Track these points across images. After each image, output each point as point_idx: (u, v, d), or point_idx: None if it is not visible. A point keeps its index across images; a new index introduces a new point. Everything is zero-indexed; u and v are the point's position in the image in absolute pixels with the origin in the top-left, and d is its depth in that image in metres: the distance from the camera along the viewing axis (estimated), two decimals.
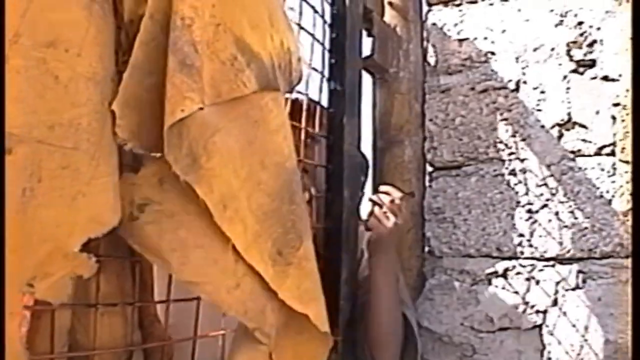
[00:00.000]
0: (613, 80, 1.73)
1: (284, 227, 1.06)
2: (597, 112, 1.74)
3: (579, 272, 1.71)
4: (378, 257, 1.58)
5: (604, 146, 1.73)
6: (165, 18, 0.89)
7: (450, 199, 1.91)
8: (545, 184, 1.79)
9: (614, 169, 1.71)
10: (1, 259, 0.71)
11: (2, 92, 0.71)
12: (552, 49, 1.82)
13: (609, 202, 1.70)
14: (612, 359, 1.64)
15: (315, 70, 1.48)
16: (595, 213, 1.72)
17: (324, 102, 1.54)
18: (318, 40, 1.49)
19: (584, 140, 1.75)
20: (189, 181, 0.89)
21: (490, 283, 1.81)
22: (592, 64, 1.77)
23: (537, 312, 1.74)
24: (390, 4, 2.01)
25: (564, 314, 1.71)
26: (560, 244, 1.75)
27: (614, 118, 1.71)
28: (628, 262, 1.65)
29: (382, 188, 1.64)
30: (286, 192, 1.07)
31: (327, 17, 1.56)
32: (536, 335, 1.74)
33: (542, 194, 1.79)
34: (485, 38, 1.92)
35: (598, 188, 1.72)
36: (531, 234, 1.79)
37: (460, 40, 1.96)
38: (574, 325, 1.69)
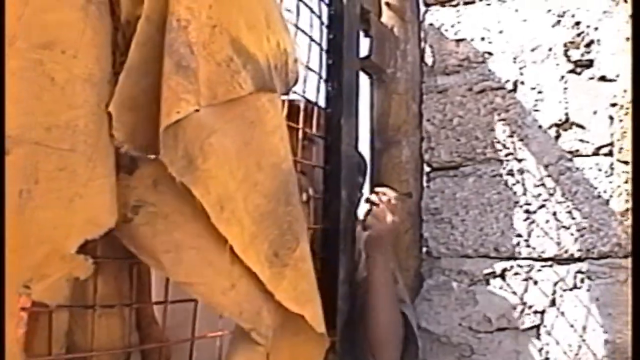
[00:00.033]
0: (610, 80, 1.73)
1: (280, 229, 1.06)
2: (595, 113, 1.74)
3: (577, 272, 1.71)
4: (375, 256, 1.58)
5: (602, 146, 1.73)
6: (161, 19, 0.89)
7: (448, 200, 1.91)
8: (543, 184, 1.79)
9: (612, 169, 1.71)
10: (1, 259, 0.71)
11: (2, 92, 0.72)
12: (550, 49, 1.82)
13: (607, 202, 1.70)
14: (610, 359, 1.64)
15: (313, 71, 1.48)
16: (593, 213, 1.72)
17: (322, 103, 1.54)
18: (315, 41, 1.49)
19: (581, 140, 1.76)
20: (185, 183, 0.90)
21: (488, 283, 1.81)
22: (589, 64, 1.77)
23: (535, 312, 1.74)
24: (388, 4, 2.01)
25: (562, 314, 1.71)
26: (558, 244, 1.75)
27: (611, 118, 1.71)
28: (626, 262, 1.65)
29: (378, 189, 1.65)
30: (282, 193, 1.07)
31: (325, 18, 1.56)
32: (534, 336, 1.74)
33: (539, 194, 1.79)
34: (483, 38, 1.92)
35: (596, 188, 1.72)
36: (529, 234, 1.79)
37: (458, 41, 1.96)
38: (572, 326, 1.69)
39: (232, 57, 0.96)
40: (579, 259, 1.72)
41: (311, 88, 1.47)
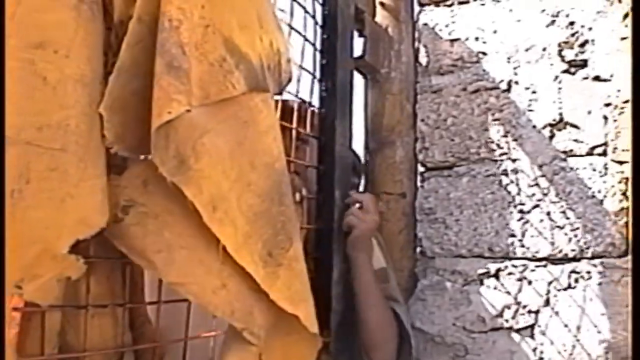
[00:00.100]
0: (605, 80, 1.73)
1: (274, 228, 1.06)
2: (589, 112, 1.75)
3: (571, 272, 1.71)
4: (357, 256, 1.56)
5: (596, 146, 1.73)
6: (153, 20, 0.89)
7: (442, 200, 1.91)
8: (537, 184, 1.79)
9: (606, 169, 1.71)
10: (1, 260, 0.71)
11: (2, 92, 0.72)
12: (544, 49, 1.82)
13: (601, 202, 1.71)
14: (604, 358, 1.64)
15: (307, 70, 1.48)
16: (587, 213, 1.72)
17: (315, 103, 1.55)
18: (309, 41, 1.49)
19: (575, 140, 1.76)
20: (176, 183, 0.89)
21: (482, 283, 1.81)
22: (583, 64, 1.78)
23: (529, 312, 1.74)
24: (382, 4, 2.01)
25: (556, 314, 1.71)
26: (552, 244, 1.75)
27: (605, 118, 1.71)
28: (620, 262, 1.66)
29: (354, 193, 1.62)
30: (276, 193, 1.07)
31: (318, 18, 1.56)
32: (528, 336, 1.74)
33: (534, 194, 1.79)
34: (477, 38, 1.92)
35: (590, 188, 1.72)
36: (523, 234, 1.79)
37: (452, 41, 1.96)
38: (566, 325, 1.70)
39: (224, 57, 0.96)
40: (573, 259, 1.72)
41: (305, 88, 1.47)
